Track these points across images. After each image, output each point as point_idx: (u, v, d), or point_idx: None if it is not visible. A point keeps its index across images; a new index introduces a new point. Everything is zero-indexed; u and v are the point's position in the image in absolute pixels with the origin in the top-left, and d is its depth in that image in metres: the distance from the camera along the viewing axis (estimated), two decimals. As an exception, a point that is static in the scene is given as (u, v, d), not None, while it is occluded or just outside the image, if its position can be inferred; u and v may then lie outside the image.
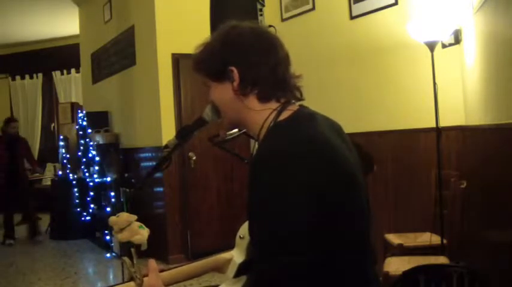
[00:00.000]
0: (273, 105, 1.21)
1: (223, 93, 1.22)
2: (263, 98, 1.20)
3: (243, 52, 1.19)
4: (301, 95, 1.26)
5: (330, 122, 1.25)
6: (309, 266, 1.02)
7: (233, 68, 1.18)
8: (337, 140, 1.16)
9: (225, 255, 1.33)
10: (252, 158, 1.15)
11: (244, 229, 1.31)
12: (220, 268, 1.34)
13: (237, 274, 1.30)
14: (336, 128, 1.25)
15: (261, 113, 1.20)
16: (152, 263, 1.13)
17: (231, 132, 1.46)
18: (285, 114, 1.18)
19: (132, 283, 1.10)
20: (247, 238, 1.28)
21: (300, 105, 1.25)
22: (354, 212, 1.12)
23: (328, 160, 1.08)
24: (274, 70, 1.20)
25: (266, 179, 1.05)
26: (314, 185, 1.03)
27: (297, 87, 1.25)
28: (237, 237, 1.32)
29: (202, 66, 1.25)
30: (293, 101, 1.24)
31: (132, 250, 1.15)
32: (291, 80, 1.23)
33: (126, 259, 1.10)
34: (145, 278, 1.10)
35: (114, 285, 1.22)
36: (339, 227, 1.07)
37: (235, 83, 1.19)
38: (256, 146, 1.17)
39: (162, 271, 1.23)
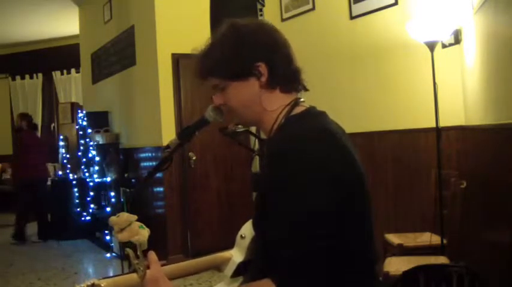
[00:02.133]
0: (291, 96, 1.24)
1: (247, 91, 1.21)
2: (287, 90, 1.23)
3: (265, 47, 1.20)
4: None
5: (337, 124, 1.28)
6: (327, 252, 1.03)
7: (261, 63, 1.19)
8: (344, 138, 1.19)
9: (224, 254, 1.33)
10: (265, 150, 1.17)
11: (246, 229, 1.31)
12: (219, 267, 1.35)
13: (235, 274, 1.30)
14: (342, 130, 1.28)
15: (275, 111, 1.22)
16: (152, 255, 1.14)
17: (239, 126, 1.47)
18: (296, 110, 1.21)
19: (134, 275, 1.11)
20: (249, 238, 1.29)
21: (310, 106, 1.27)
22: (364, 209, 1.14)
23: (340, 150, 1.11)
24: (292, 62, 1.23)
25: (286, 165, 1.06)
26: (332, 169, 1.05)
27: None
28: (238, 236, 1.32)
29: (222, 68, 1.20)
30: (302, 99, 1.26)
31: (137, 243, 1.15)
32: (300, 73, 1.27)
33: (129, 250, 1.12)
34: (147, 271, 1.11)
35: (118, 275, 1.23)
36: (352, 220, 1.09)
37: (264, 78, 1.19)
38: (257, 143, 1.17)
39: (162, 265, 1.24)
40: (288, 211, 1.04)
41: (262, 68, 1.19)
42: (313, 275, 1.01)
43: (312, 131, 1.12)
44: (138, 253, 1.11)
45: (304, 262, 1.01)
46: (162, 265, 1.22)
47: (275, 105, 1.22)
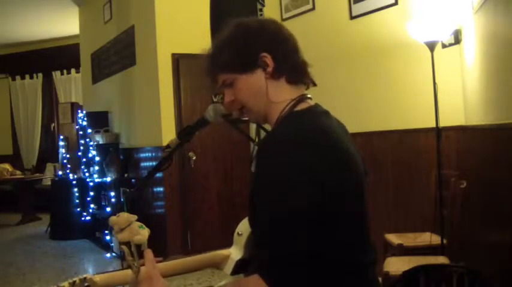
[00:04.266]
0: (300, 89, 1.25)
1: (254, 83, 1.22)
2: (292, 82, 1.24)
3: (270, 38, 1.22)
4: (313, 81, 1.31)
5: (340, 124, 1.28)
6: (308, 255, 1.02)
7: (266, 54, 1.20)
8: (345, 139, 1.19)
9: (223, 252, 1.33)
10: (260, 143, 1.17)
11: (242, 226, 1.31)
12: (217, 265, 1.34)
13: (235, 271, 1.30)
14: (344, 129, 1.28)
15: (281, 103, 1.22)
16: (149, 253, 1.15)
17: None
18: (301, 106, 1.22)
19: (129, 271, 1.12)
20: (246, 234, 1.29)
21: (316, 103, 1.27)
22: (354, 210, 1.13)
23: (334, 153, 1.10)
24: (297, 53, 1.25)
25: (270, 165, 1.07)
26: (318, 175, 1.04)
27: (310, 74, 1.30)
28: (235, 234, 1.32)
29: (230, 62, 1.22)
30: (309, 96, 1.26)
31: (131, 241, 1.15)
32: (307, 66, 1.28)
33: (125, 247, 1.12)
34: (142, 267, 1.11)
35: (112, 271, 1.23)
36: (339, 221, 1.09)
37: (270, 68, 1.21)
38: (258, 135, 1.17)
39: (159, 262, 1.24)
40: (268, 211, 1.05)
41: (268, 58, 1.20)
42: (293, 276, 1.01)
43: (304, 130, 1.12)
44: (132, 249, 1.11)
45: (283, 263, 1.01)
46: (158, 262, 1.22)
47: (281, 97, 1.22)
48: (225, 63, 1.23)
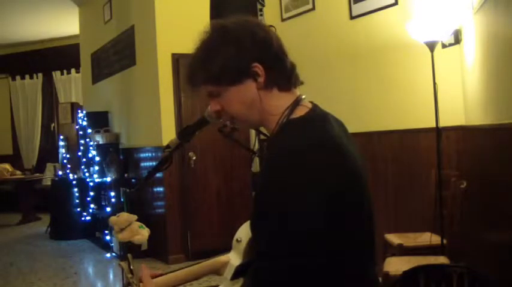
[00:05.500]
0: (292, 94, 1.19)
1: (244, 94, 1.16)
2: (284, 88, 1.18)
3: (259, 45, 1.15)
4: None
5: (339, 123, 1.23)
6: (311, 267, 1.01)
7: (257, 64, 1.14)
8: (347, 142, 1.15)
9: (221, 258, 1.32)
10: (265, 154, 1.14)
11: (241, 232, 1.30)
12: (217, 271, 1.34)
13: (234, 277, 1.30)
14: (343, 128, 1.24)
15: (277, 110, 1.17)
16: (145, 269, 1.13)
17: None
18: (298, 112, 1.17)
19: None
20: (245, 241, 1.28)
21: (313, 104, 1.22)
22: (361, 214, 1.12)
23: (341, 163, 1.08)
24: (286, 57, 1.19)
25: (280, 178, 1.03)
26: (327, 186, 1.02)
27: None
28: (234, 240, 1.31)
29: (218, 76, 1.14)
30: (303, 96, 1.21)
31: (129, 255, 1.15)
32: (295, 69, 1.22)
33: (123, 264, 1.11)
34: (141, 284, 1.10)
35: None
36: (347, 228, 1.07)
37: (262, 79, 1.15)
38: (257, 143, 1.17)
39: (158, 275, 1.23)
40: (273, 225, 1.03)
41: (259, 68, 1.14)
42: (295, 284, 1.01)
43: (311, 144, 1.07)
44: (131, 267, 1.11)
45: (283, 277, 1.00)
46: (158, 276, 1.20)
47: (279, 108, 1.17)
48: (213, 75, 1.15)
